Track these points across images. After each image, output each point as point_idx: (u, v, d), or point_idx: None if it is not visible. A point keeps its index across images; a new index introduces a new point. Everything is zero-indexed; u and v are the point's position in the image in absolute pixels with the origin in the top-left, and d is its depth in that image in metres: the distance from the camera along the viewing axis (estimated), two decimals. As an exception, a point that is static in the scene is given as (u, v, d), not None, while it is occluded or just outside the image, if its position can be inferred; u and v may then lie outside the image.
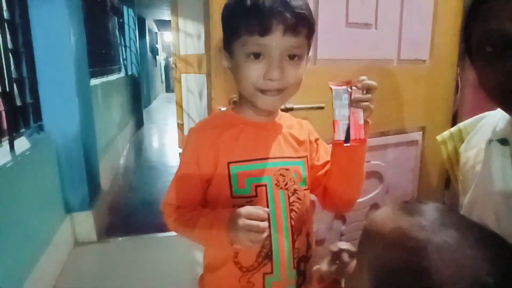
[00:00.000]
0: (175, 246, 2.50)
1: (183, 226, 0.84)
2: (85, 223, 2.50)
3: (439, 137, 0.91)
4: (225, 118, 0.89)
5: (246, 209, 0.73)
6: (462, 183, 0.83)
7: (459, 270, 0.44)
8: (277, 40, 0.73)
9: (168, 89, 13.55)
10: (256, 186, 0.83)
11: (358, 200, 1.51)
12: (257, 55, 0.76)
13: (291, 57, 0.77)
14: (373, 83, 0.77)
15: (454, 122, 1.71)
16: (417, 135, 1.61)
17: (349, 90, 0.76)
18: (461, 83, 1.66)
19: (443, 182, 1.74)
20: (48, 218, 2.17)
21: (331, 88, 0.77)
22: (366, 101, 0.76)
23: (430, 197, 1.70)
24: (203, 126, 0.89)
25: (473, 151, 0.80)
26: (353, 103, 0.76)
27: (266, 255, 0.83)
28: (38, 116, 2.25)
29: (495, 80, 0.62)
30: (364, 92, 0.77)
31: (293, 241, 0.85)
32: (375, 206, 1.55)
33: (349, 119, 0.75)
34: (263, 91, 0.78)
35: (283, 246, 0.84)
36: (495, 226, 0.65)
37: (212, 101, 1.11)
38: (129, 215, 3.03)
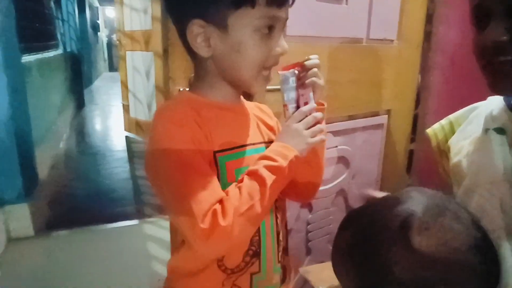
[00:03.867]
0: (126, 238, 2.34)
1: (252, 202, 0.62)
2: (20, 217, 2.25)
3: (429, 130, 0.88)
4: (192, 100, 0.72)
5: (293, 117, 0.70)
6: (454, 173, 0.80)
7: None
8: (287, 11, 0.69)
9: (112, 68, 12.84)
10: None
11: (324, 187, 1.48)
12: (269, 28, 0.67)
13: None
14: (315, 61, 0.73)
15: (416, 105, 1.69)
16: (383, 119, 1.56)
17: (296, 72, 0.73)
18: (422, 65, 1.63)
19: (405, 166, 1.72)
20: (-25, 214, 1.91)
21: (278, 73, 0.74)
22: (313, 78, 0.72)
23: (393, 181, 1.68)
24: (178, 106, 0.71)
25: (466, 141, 0.78)
26: (299, 84, 0.73)
27: (255, 253, 0.73)
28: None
29: (476, 49, 0.65)
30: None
31: (277, 233, 0.77)
32: (341, 192, 1.50)
33: (297, 102, 0.73)
34: (267, 69, 0.70)
35: (269, 240, 0.75)
36: (500, 215, 0.65)
37: (170, 81, 0.96)
38: (72, 206, 2.79)
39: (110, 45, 12.89)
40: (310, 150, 0.71)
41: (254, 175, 0.64)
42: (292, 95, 0.72)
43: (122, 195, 2.99)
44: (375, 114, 1.53)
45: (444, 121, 0.87)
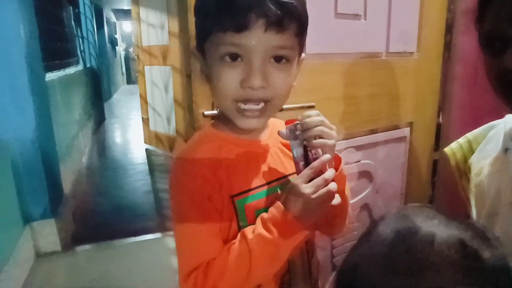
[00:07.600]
0: (150, 251, 2.36)
1: (237, 274, 0.62)
2: (47, 232, 2.29)
3: (447, 149, 0.87)
4: (212, 140, 0.70)
5: (302, 175, 0.62)
6: (476, 194, 0.79)
7: None
8: (257, 38, 0.58)
9: (130, 81, 13.08)
10: None
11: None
12: (234, 57, 0.60)
13: (277, 59, 0.62)
14: (316, 118, 0.64)
15: (439, 116, 1.67)
16: (405, 131, 1.54)
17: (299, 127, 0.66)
18: (443, 76, 1.62)
19: (429, 177, 1.70)
20: (4, 232, 1.96)
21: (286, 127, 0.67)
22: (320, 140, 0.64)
23: (418, 193, 1.66)
24: (196, 154, 0.68)
25: (487, 161, 0.76)
26: (305, 140, 0.65)
27: None
28: (-13, 119, 2.02)
29: (495, 74, 0.64)
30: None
31: (309, 266, 0.77)
32: (365, 207, 1.48)
33: (305, 159, 0.65)
34: (242, 103, 0.62)
35: (300, 274, 0.75)
36: None
37: (194, 105, 0.98)
38: (95, 220, 2.84)
39: (127, 58, 13.13)
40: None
41: (245, 243, 0.62)
42: (300, 151, 0.65)
43: (144, 209, 3.03)
44: (397, 127, 1.51)
45: (462, 140, 0.85)
